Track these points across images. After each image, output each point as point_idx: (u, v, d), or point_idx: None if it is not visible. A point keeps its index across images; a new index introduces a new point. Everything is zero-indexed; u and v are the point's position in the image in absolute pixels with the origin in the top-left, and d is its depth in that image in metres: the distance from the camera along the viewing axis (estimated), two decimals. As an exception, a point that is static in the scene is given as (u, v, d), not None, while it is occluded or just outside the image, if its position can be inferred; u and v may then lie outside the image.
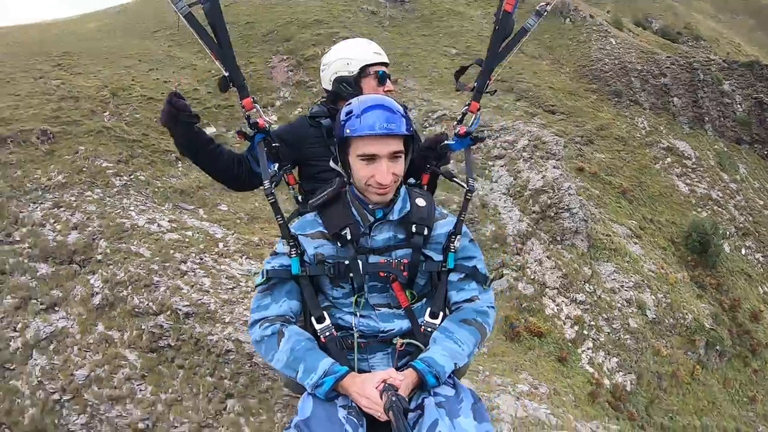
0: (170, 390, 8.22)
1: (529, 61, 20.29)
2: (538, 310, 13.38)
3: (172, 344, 8.62)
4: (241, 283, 9.71)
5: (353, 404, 1.99)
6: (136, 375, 8.52)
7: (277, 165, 2.57)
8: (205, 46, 2.32)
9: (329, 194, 2.25)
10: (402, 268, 2.20)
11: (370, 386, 1.94)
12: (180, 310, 8.87)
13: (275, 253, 2.29)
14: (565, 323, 13.62)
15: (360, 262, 2.17)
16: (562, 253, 13.97)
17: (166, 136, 14.55)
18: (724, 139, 21.98)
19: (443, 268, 2.28)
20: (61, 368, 8.86)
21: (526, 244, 13.60)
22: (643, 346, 14.28)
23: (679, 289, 15.87)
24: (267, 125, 2.46)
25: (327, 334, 2.16)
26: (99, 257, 10.15)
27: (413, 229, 2.21)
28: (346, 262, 2.17)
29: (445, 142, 2.66)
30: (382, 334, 2.22)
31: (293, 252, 2.20)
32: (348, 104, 2.17)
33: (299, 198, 2.92)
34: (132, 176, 12.75)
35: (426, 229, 2.23)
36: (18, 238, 10.61)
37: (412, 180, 2.61)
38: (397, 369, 2.12)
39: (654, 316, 14.66)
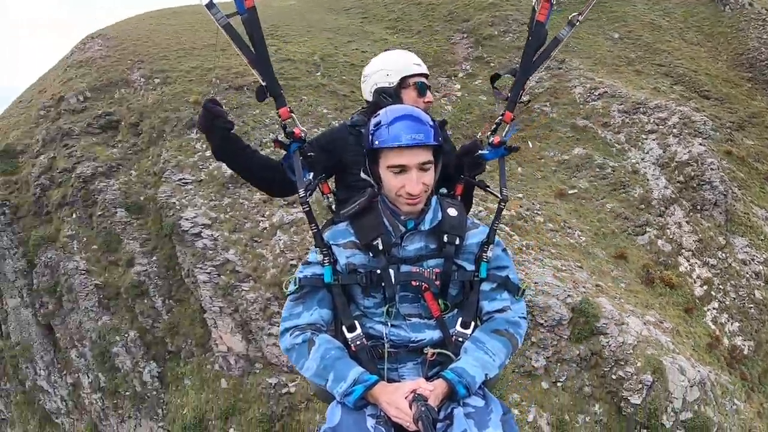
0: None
1: (689, 48, 21.52)
2: (673, 266, 15.26)
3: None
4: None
5: (382, 413, 1.98)
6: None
7: (312, 174, 2.55)
8: (242, 56, 2.35)
9: (361, 204, 2.25)
10: (434, 277, 2.20)
11: (399, 396, 1.94)
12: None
13: (308, 262, 2.29)
14: (695, 282, 15.17)
15: (392, 272, 2.17)
16: (700, 221, 15.73)
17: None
18: None
19: (475, 278, 2.27)
20: (299, 244, 12.36)
21: (669, 209, 15.59)
22: (766, 318, 15.55)
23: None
24: (303, 134, 2.47)
25: (358, 343, 2.15)
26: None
27: (445, 238, 2.21)
28: (378, 271, 2.17)
29: (480, 152, 2.67)
30: (412, 344, 2.21)
31: (326, 261, 2.21)
32: (376, 115, 2.20)
33: (333, 207, 2.90)
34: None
35: (458, 238, 2.23)
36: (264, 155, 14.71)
37: (444, 190, 2.61)
38: (427, 379, 2.11)
39: (780, 293, 15.80)
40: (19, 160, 17.22)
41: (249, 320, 11.69)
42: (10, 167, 17.06)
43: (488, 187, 2.72)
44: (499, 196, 2.54)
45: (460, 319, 2.25)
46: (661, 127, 16.37)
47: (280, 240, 12.52)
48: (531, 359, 11.11)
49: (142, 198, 13.95)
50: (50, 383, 14.81)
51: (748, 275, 16.12)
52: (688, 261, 15.54)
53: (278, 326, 2.75)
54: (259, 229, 12.77)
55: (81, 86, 16.87)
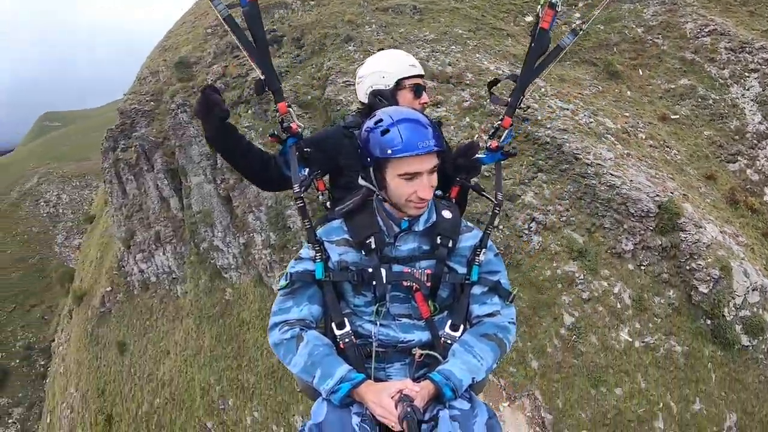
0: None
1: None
2: (758, 194, 16.73)
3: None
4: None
5: (367, 412, 1.98)
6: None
7: (307, 170, 2.56)
8: (242, 49, 2.38)
9: (356, 202, 2.27)
10: (425, 278, 2.20)
11: (385, 395, 1.93)
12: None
13: (300, 258, 2.28)
14: (778, 213, 16.40)
15: (383, 271, 2.17)
16: (792, 158, 17.30)
17: (507, 18, 20.27)
18: None
19: (467, 281, 2.26)
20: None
21: (761, 143, 17.27)
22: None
23: None
24: (300, 129, 2.48)
25: (346, 340, 2.16)
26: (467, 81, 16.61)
27: (438, 240, 2.21)
28: (370, 270, 2.17)
29: (477, 155, 2.67)
30: (401, 344, 2.22)
31: (318, 257, 2.21)
32: (373, 116, 2.15)
33: (328, 204, 2.88)
34: (479, 42, 18.98)
35: (451, 241, 2.23)
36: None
37: (439, 192, 2.52)
38: (414, 380, 2.11)
39: None
40: (193, 70, 21.02)
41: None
42: (186, 75, 20.92)
43: (483, 190, 2.71)
44: (494, 200, 2.53)
45: (449, 322, 2.25)
46: (764, 67, 17.84)
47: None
48: (621, 242, 13.64)
49: (309, 97, 17.28)
50: (225, 243, 18.78)
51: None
52: (775, 193, 17.11)
53: None
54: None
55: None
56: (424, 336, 2.24)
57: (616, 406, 12.39)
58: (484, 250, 2.28)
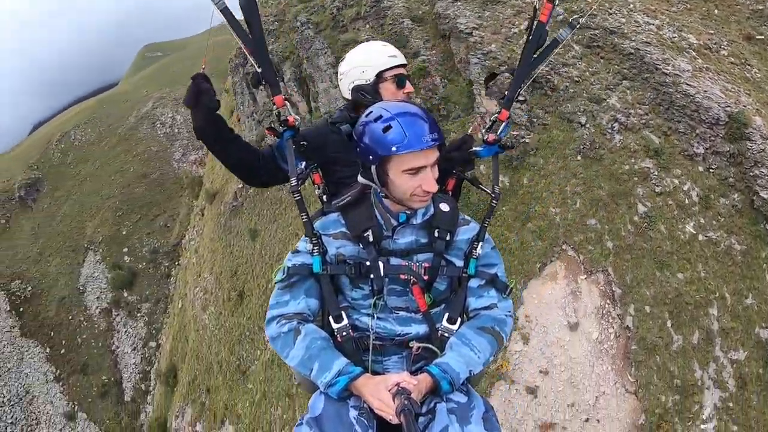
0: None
1: None
2: None
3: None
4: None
5: (365, 405, 1.99)
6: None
7: (304, 163, 2.58)
8: (239, 41, 2.37)
9: (353, 195, 2.29)
10: (423, 271, 2.20)
11: (383, 388, 1.93)
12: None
13: (297, 251, 2.29)
14: None
15: (381, 264, 2.17)
16: None
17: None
18: None
19: (464, 274, 2.27)
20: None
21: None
22: None
23: None
24: (296, 122, 2.48)
25: (344, 333, 2.17)
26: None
27: (436, 233, 2.22)
28: (368, 263, 2.18)
29: (474, 148, 2.69)
30: (398, 337, 2.23)
31: (315, 250, 2.21)
32: (369, 112, 2.13)
33: (324, 197, 2.84)
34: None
35: (449, 234, 2.24)
36: None
37: None
38: (412, 373, 2.12)
39: None
40: (311, -9, 23.49)
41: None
42: (304, -5, 23.49)
43: (480, 183, 2.73)
44: (491, 193, 2.52)
45: (446, 315, 2.26)
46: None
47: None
48: (693, 146, 15.30)
49: (420, 12, 19.58)
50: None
51: None
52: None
53: None
54: (511, 33, 17.54)
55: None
56: (422, 329, 2.25)
57: (676, 289, 13.98)
58: (481, 243, 2.28)
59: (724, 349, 14.00)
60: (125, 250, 43.29)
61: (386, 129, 2.03)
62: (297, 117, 2.50)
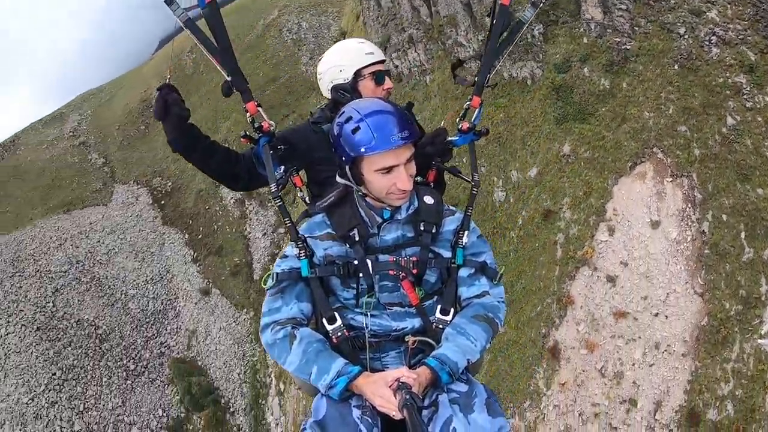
0: None
1: None
2: None
3: None
4: None
5: (367, 404, 1.99)
6: None
7: (282, 168, 2.55)
8: (206, 51, 2.36)
9: (336, 195, 2.28)
10: (411, 266, 2.22)
11: (383, 385, 1.93)
12: None
13: (285, 256, 2.29)
14: None
15: (369, 262, 2.20)
16: None
17: None
18: None
19: (452, 265, 2.30)
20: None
21: None
22: None
23: None
24: (271, 128, 2.49)
25: (339, 334, 2.17)
26: None
27: (421, 227, 2.24)
28: (356, 262, 2.19)
29: (449, 138, 2.68)
30: (394, 333, 2.25)
31: (302, 254, 2.21)
32: (341, 113, 2.14)
33: (307, 199, 2.88)
34: None
35: (434, 226, 2.25)
36: None
37: (418, 178, 2.50)
38: (410, 367, 2.12)
39: None
40: None
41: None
42: None
43: (460, 172, 2.73)
44: (471, 181, 2.53)
45: (439, 306, 2.27)
46: None
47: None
48: None
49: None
50: (466, 40, 21.96)
51: None
52: None
53: None
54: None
55: None
56: (417, 323, 2.26)
57: (755, 202, 14.47)
58: (466, 232, 2.30)
59: (792, 268, 14.52)
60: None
61: (355, 130, 2.04)
62: (271, 123, 2.51)
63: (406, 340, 2.24)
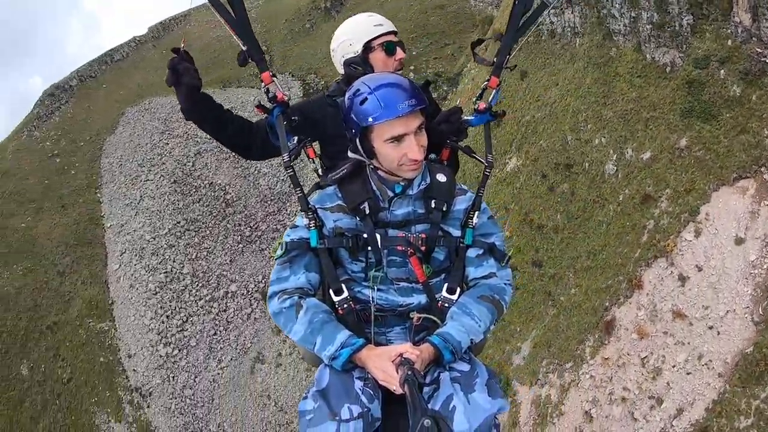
0: None
1: None
2: None
3: None
4: None
5: (369, 376, 2.01)
6: None
7: (296, 138, 2.56)
8: (223, 21, 2.36)
9: (349, 168, 2.28)
10: (420, 242, 2.21)
11: (386, 359, 1.95)
12: None
13: (295, 226, 2.30)
14: None
15: (378, 236, 2.19)
16: None
17: None
18: None
19: (461, 244, 2.29)
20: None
21: None
22: None
23: None
24: (286, 98, 2.49)
25: (345, 306, 2.19)
26: None
27: (432, 204, 2.23)
28: (365, 235, 2.19)
29: (465, 117, 2.66)
30: (400, 308, 2.25)
31: (312, 224, 2.22)
32: (351, 88, 2.17)
33: (320, 171, 2.84)
34: None
35: (445, 204, 2.24)
36: None
37: (432, 156, 2.52)
38: (414, 343, 2.13)
39: None
40: None
41: None
42: None
43: (474, 153, 2.67)
44: (484, 162, 2.51)
45: (446, 285, 2.28)
46: None
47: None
48: None
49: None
50: (620, 13, 22.55)
51: None
52: None
53: None
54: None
55: None
56: (423, 299, 2.26)
57: None
58: (477, 212, 2.29)
59: None
60: (411, 68, 48.73)
61: (363, 101, 2.07)
62: (286, 93, 2.52)
63: (411, 316, 2.24)
